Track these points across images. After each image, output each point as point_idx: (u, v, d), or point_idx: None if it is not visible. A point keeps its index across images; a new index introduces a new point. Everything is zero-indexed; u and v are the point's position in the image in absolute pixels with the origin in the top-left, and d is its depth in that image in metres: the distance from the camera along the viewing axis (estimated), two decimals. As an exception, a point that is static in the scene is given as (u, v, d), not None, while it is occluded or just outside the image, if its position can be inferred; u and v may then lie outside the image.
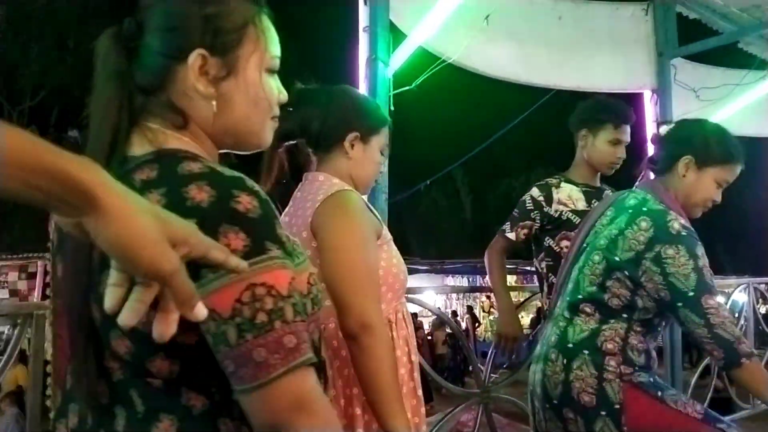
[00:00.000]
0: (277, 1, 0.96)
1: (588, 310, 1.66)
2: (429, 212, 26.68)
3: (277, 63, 0.85)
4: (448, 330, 10.74)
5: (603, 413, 1.56)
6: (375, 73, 2.69)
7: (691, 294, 1.50)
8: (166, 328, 0.58)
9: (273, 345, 0.64)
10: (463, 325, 13.12)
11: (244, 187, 0.68)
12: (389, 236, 1.44)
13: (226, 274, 0.62)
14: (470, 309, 14.36)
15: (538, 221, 2.35)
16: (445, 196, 27.83)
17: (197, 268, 0.62)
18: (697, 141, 1.72)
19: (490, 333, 14.80)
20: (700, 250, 1.54)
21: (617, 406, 1.56)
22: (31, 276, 11.27)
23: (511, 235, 2.38)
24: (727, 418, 3.72)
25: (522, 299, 3.22)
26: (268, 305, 0.64)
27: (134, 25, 0.77)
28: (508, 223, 2.41)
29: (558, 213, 2.32)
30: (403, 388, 1.36)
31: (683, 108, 4.23)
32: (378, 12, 2.73)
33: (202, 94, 0.77)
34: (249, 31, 0.79)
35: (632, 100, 4.25)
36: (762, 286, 3.92)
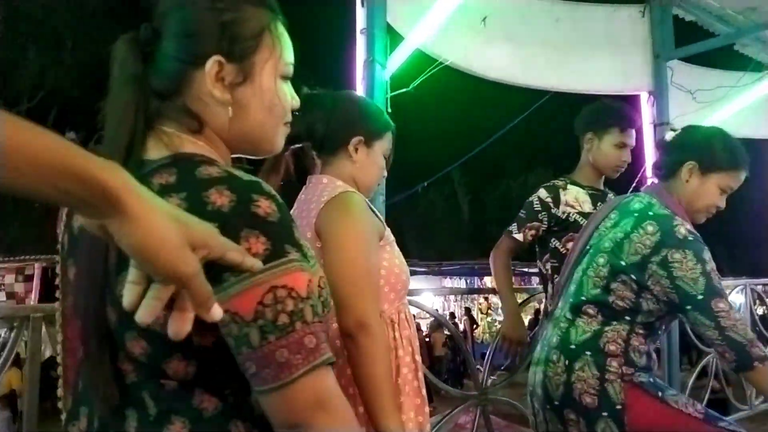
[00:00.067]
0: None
1: (591, 311, 1.66)
2: (427, 214, 26.70)
3: (291, 70, 0.86)
4: (447, 332, 10.75)
5: (605, 414, 1.56)
6: (372, 76, 2.69)
7: (700, 297, 1.50)
8: (181, 325, 0.59)
9: (294, 346, 0.66)
10: (461, 327, 13.13)
11: (262, 191, 0.69)
12: (391, 238, 1.45)
13: (247, 277, 0.64)
14: (468, 311, 14.37)
15: (546, 222, 2.36)
16: (443, 198, 27.86)
17: (219, 272, 0.63)
18: (702, 147, 1.73)
19: (487, 335, 14.81)
20: (707, 255, 1.55)
21: (619, 407, 1.56)
22: (28, 278, 11.25)
23: (519, 236, 2.38)
24: (725, 420, 3.74)
25: (520, 301, 3.22)
26: (289, 307, 0.66)
27: (151, 31, 0.78)
28: (515, 224, 2.41)
29: (565, 215, 2.33)
30: (407, 388, 1.38)
31: (680, 110, 4.24)
32: (375, 14, 2.73)
33: (218, 99, 0.78)
34: (265, 38, 0.80)
35: (629, 102, 4.26)
36: (759, 288, 3.94)
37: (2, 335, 1.72)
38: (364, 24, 2.76)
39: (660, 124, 4.12)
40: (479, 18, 3.32)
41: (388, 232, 1.44)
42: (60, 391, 0.86)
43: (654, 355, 1.69)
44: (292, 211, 1.45)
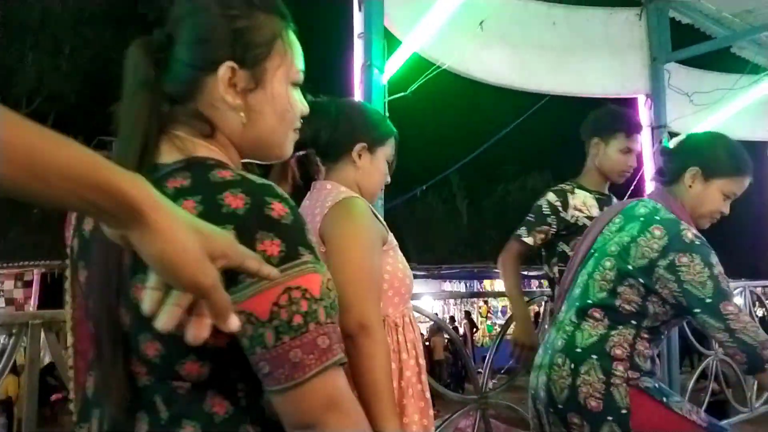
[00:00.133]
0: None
1: (597, 315, 1.66)
2: (425, 217, 26.69)
3: (301, 76, 0.87)
4: (447, 336, 10.75)
5: (610, 418, 1.56)
6: (370, 80, 2.69)
7: (709, 301, 1.51)
8: (200, 331, 0.60)
9: (308, 346, 0.66)
10: (461, 331, 13.13)
11: (275, 194, 0.70)
12: (395, 242, 1.47)
13: (264, 279, 0.65)
14: (468, 314, 14.37)
15: (555, 226, 2.37)
16: (441, 202, 27.86)
17: (236, 273, 0.64)
18: (705, 153, 1.73)
19: (487, 338, 14.81)
20: (715, 259, 1.55)
21: (624, 411, 1.56)
22: (28, 284, 11.23)
23: (529, 240, 2.39)
24: (725, 422, 3.73)
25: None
26: (303, 308, 0.66)
27: (164, 36, 0.79)
28: (524, 227, 2.42)
29: (574, 219, 2.34)
30: (410, 391, 1.40)
31: (677, 112, 4.26)
32: (372, 18, 2.74)
33: (230, 105, 0.79)
34: (276, 45, 0.81)
35: (626, 105, 4.28)
36: (758, 290, 3.94)
37: (1, 342, 1.72)
38: (362, 28, 2.76)
39: (657, 126, 4.13)
40: (476, 22, 3.33)
41: (391, 236, 1.46)
42: (71, 394, 0.87)
43: (657, 360, 1.69)
44: None
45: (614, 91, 4.18)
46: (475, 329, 14.22)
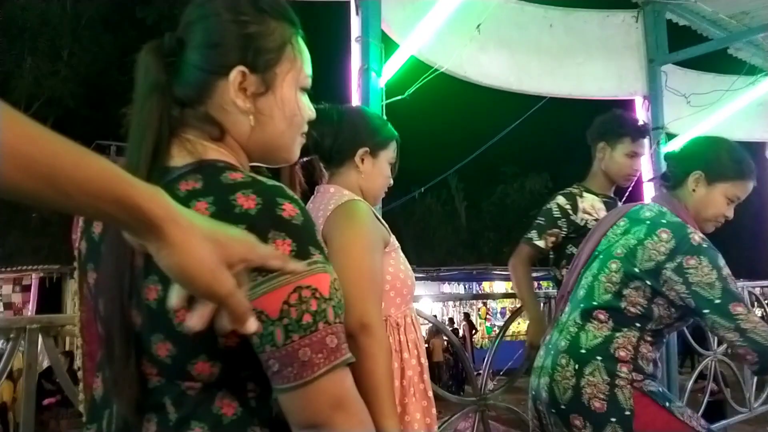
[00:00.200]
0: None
1: (602, 317, 1.67)
2: (424, 220, 26.72)
3: (309, 82, 0.88)
4: (446, 338, 10.74)
5: (613, 420, 1.57)
6: (367, 83, 2.70)
7: (718, 301, 1.52)
8: (199, 321, 0.61)
9: (317, 345, 0.67)
10: (460, 332, 13.12)
11: (285, 195, 0.71)
12: (397, 244, 1.50)
13: (275, 277, 0.66)
14: (467, 316, 14.36)
15: (564, 229, 2.40)
16: (440, 204, 27.88)
17: (248, 271, 0.65)
18: (708, 157, 1.75)
19: (486, 340, 14.80)
20: (722, 261, 1.56)
21: (627, 413, 1.57)
22: (26, 289, 11.22)
23: (540, 243, 2.42)
24: (723, 422, 3.74)
25: (518, 305, 3.22)
26: (313, 307, 0.67)
27: (175, 41, 0.80)
28: (534, 231, 2.44)
29: (583, 221, 2.38)
30: (412, 390, 1.43)
31: (674, 114, 4.27)
32: (370, 22, 2.74)
33: (240, 108, 0.80)
34: (286, 51, 0.83)
35: (624, 106, 4.28)
36: (757, 290, 3.94)
37: (-1, 346, 1.72)
38: (359, 32, 2.77)
39: (655, 128, 4.14)
40: (473, 25, 3.34)
41: (393, 239, 1.48)
42: (80, 395, 0.88)
43: (659, 363, 1.70)
44: None
45: (611, 93, 4.20)
46: (474, 331, 14.21)
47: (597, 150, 2.47)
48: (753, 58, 4.63)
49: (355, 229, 1.36)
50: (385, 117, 2.70)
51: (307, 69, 0.87)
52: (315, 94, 1.50)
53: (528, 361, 2.45)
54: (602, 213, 2.37)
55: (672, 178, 1.81)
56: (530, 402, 1.83)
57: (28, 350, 1.66)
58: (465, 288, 16.00)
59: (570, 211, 2.40)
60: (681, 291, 1.56)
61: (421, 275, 15.03)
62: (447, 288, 15.84)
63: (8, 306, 11.21)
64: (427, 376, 1.48)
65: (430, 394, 1.49)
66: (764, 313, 3.74)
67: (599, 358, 1.62)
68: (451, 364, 11.82)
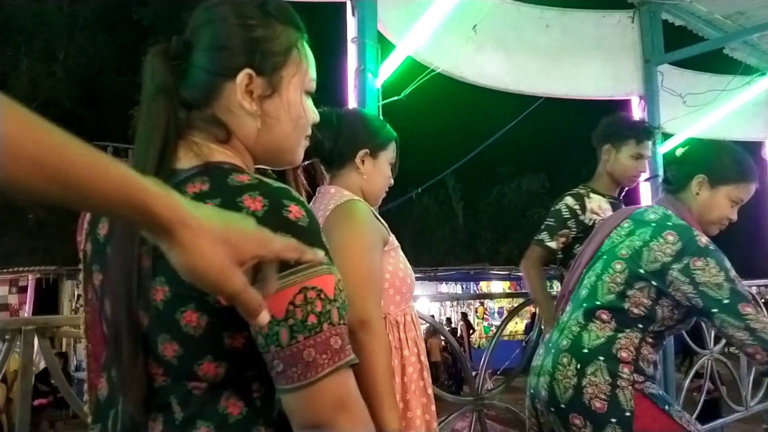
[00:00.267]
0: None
1: (604, 317, 1.67)
2: (421, 220, 26.71)
3: (314, 85, 0.89)
4: (443, 337, 10.75)
5: (613, 420, 1.57)
6: (364, 84, 2.70)
7: (727, 301, 1.53)
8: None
9: (321, 346, 0.68)
10: (459, 332, 13.14)
11: (291, 197, 0.72)
12: (396, 243, 1.53)
13: (280, 278, 0.66)
14: (465, 316, 14.37)
15: (574, 229, 2.42)
16: (437, 204, 27.87)
17: (255, 272, 0.66)
18: (710, 160, 1.77)
19: (484, 339, 14.81)
20: (728, 263, 1.58)
21: (628, 414, 1.57)
22: (22, 290, 11.19)
23: (552, 244, 2.44)
24: (720, 421, 3.75)
25: (516, 305, 3.23)
26: (318, 308, 0.68)
27: (182, 44, 0.81)
28: (545, 232, 2.46)
29: (591, 221, 2.40)
30: (413, 387, 1.45)
31: (671, 114, 4.28)
32: (366, 23, 2.74)
33: (247, 110, 0.81)
34: (292, 54, 0.84)
35: (620, 106, 4.29)
36: (753, 289, 3.95)
37: (-5, 348, 1.72)
38: (355, 33, 2.77)
39: (654, 127, 4.14)
40: (470, 25, 3.34)
41: (392, 238, 1.51)
42: (86, 396, 0.89)
43: (658, 365, 1.71)
44: None
45: (608, 93, 4.21)
46: (471, 330, 14.22)
47: (602, 152, 2.51)
48: (749, 58, 4.65)
49: (355, 228, 1.39)
50: (381, 118, 2.71)
51: (312, 72, 0.89)
52: (311, 95, 1.52)
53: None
54: (609, 213, 2.40)
55: (675, 182, 1.82)
56: (528, 400, 1.83)
57: (23, 351, 1.66)
58: (462, 288, 16.02)
59: (579, 212, 2.43)
60: (688, 291, 1.56)
61: (418, 275, 15.00)
62: (444, 288, 15.85)
63: (4, 307, 11.18)
64: (426, 373, 1.51)
65: (430, 391, 1.51)
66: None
67: (601, 358, 1.63)
68: (450, 364, 11.84)
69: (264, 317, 0.61)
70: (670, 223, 1.66)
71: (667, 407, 1.62)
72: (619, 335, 1.64)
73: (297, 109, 0.85)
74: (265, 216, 0.69)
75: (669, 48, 4.29)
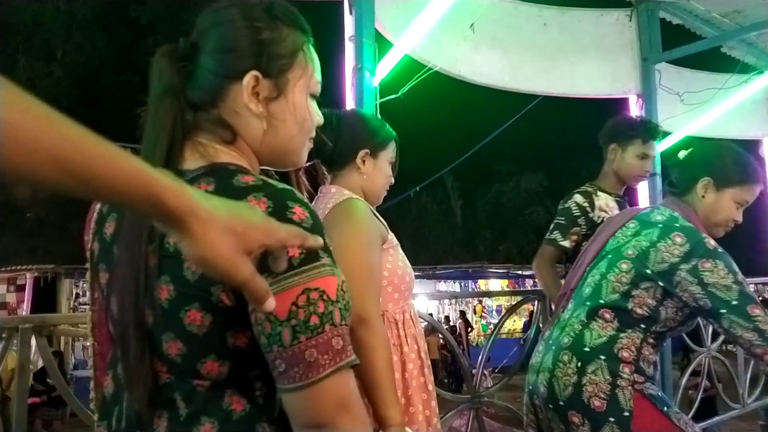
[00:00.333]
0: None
1: (607, 316, 1.68)
2: (420, 218, 26.73)
3: (319, 88, 0.90)
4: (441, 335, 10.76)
5: (611, 419, 1.58)
6: (361, 83, 2.69)
7: (735, 303, 1.54)
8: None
9: (323, 346, 0.69)
10: (457, 330, 13.15)
11: (295, 198, 0.73)
12: (396, 242, 1.55)
13: (284, 279, 0.68)
14: (463, 314, 14.39)
15: (584, 227, 2.44)
16: (436, 202, 27.89)
17: (260, 272, 0.66)
18: (714, 163, 1.78)
19: (482, 337, 14.83)
20: (736, 266, 1.59)
21: (627, 414, 1.58)
22: (20, 288, 11.19)
23: (566, 243, 2.45)
24: (717, 418, 3.75)
25: (513, 303, 3.23)
26: (320, 309, 0.69)
27: (189, 45, 0.82)
28: (557, 231, 2.47)
29: (600, 219, 2.42)
30: (413, 383, 1.47)
31: (668, 112, 4.28)
32: (363, 21, 2.74)
33: (253, 112, 0.82)
34: (298, 57, 0.85)
35: (618, 105, 4.30)
36: (751, 287, 3.95)
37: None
38: (353, 31, 2.76)
39: (655, 126, 4.15)
40: (467, 24, 3.34)
41: (391, 236, 1.53)
42: (92, 394, 0.90)
43: (658, 366, 1.72)
44: None
45: (605, 91, 4.21)
46: (470, 328, 14.24)
47: (608, 151, 2.54)
48: (746, 57, 4.65)
49: (353, 226, 1.41)
50: (379, 116, 2.71)
51: (318, 75, 0.90)
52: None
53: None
54: (615, 211, 2.43)
55: (679, 184, 1.83)
56: (526, 397, 1.84)
57: (20, 350, 1.66)
58: (461, 286, 16.03)
59: (588, 209, 2.45)
60: (696, 292, 1.57)
61: (417, 273, 15.00)
62: (443, 286, 15.87)
63: (2, 306, 11.19)
64: (427, 370, 1.53)
65: (431, 387, 1.53)
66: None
67: (603, 357, 1.63)
68: (449, 362, 11.85)
69: (270, 303, 0.63)
70: (677, 225, 1.67)
71: (666, 409, 1.63)
72: (621, 335, 1.65)
73: (302, 112, 0.86)
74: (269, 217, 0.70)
75: (667, 46, 4.29)
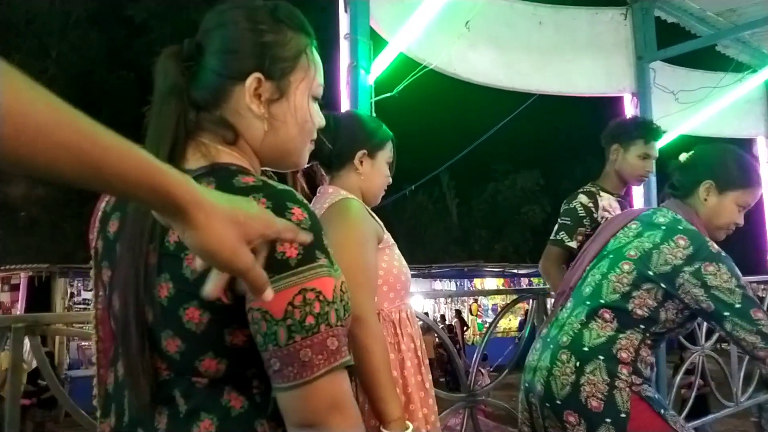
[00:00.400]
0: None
1: (607, 316, 1.68)
2: (415, 217, 26.73)
3: (321, 91, 0.92)
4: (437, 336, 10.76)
5: (608, 420, 1.58)
6: (356, 81, 2.69)
7: (739, 306, 1.55)
8: (214, 289, 0.65)
9: (318, 346, 0.70)
10: (453, 328, 13.16)
11: (295, 199, 0.74)
12: (392, 241, 1.56)
13: (281, 279, 0.68)
14: (458, 313, 14.41)
15: (589, 227, 2.45)
16: (431, 201, 27.90)
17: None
18: (716, 166, 1.79)
19: (478, 336, 14.85)
20: (738, 271, 1.60)
21: (623, 415, 1.58)
22: (15, 288, 11.16)
23: (573, 244, 2.46)
24: (711, 416, 3.77)
25: (508, 301, 3.24)
26: (316, 309, 0.70)
27: (194, 46, 0.83)
28: (563, 232, 2.49)
29: (603, 219, 2.43)
30: (412, 381, 1.48)
31: (663, 111, 4.29)
32: (358, 19, 2.73)
33: (254, 113, 0.83)
34: (301, 60, 0.86)
35: (613, 103, 4.31)
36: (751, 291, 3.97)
37: (-15, 346, 1.71)
38: (348, 29, 2.76)
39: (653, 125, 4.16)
40: (462, 22, 3.34)
41: (387, 235, 1.54)
42: (95, 390, 0.90)
43: (655, 368, 1.73)
44: None
45: (600, 90, 4.21)
46: (465, 327, 14.26)
47: (610, 151, 2.56)
48: (740, 55, 4.67)
49: (348, 225, 1.42)
50: (374, 114, 2.70)
51: (320, 78, 0.91)
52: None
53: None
54: (618, 211, 2.44)
55: (681, 187, 1.84)
56: (522, 394, 1.84)
57: (13, 349, 1.65)
58: (457, 285, 16.05)
59: (593, 210, 2.46)
60: (699, 294, 1.58)
61: (413, 272, 14.98)
62: (438, 285, 15.88)
63: (-3, 305, 11.14)
64: (425, 369, 1.54)
65: (428, 385, 1.54)
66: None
67: (601, 357, 1.64)
68: (445, 361, 11.86)
69: (269, 294, 0.63)
70: (680, 227, 1.68)
71: (662, 411, 1.63)
72: (620, 335, 1.65)
73: (303, 114, 0.87)
74: None
75: (661, 45, 4.30)
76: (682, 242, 1.63)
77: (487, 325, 14.60)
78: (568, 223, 2.48)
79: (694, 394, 3.51)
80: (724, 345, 4.10)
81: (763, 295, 3.88)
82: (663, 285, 1.63)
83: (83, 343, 9.78)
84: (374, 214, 1.55)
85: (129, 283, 0.75)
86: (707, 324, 1.74)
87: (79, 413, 1.77)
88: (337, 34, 2.80)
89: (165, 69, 0.81)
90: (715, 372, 3.76)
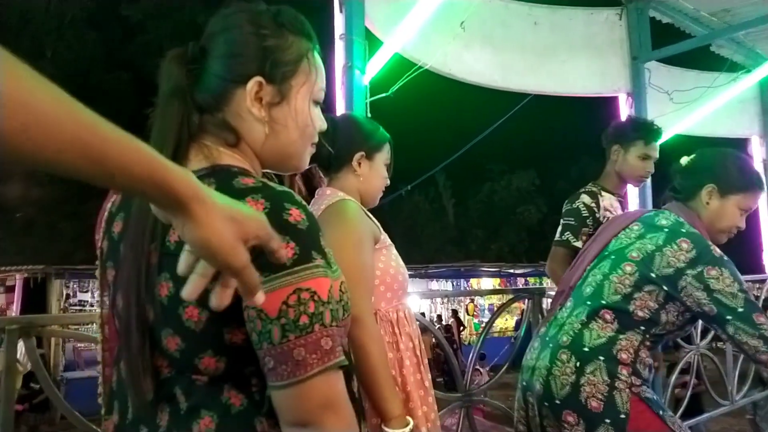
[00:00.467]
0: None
1: (607, 317, 1.69)
2: (411, 217, 26.72)
3: (322, 95, 0.93)
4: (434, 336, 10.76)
5: (607, 421, 1.58)
6: (351, 81, 2.69)
7: (741, 310, 1.56)
8: (223, 299, 0.65)
9: (312, 346, 0.70)
10: (450, 328, 13.16)
11: (293, 200, 0.75)
12: (389, 242, 1.58)
13: (276, 278, 0.70)
14: (455, 313, 14.41)
15: (592, 227, 2.46)
16: (428, 201, 27.89)
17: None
18: (718, 170, 1.81)
19: (474, 336, 14.86)
20: (740, 275, 1.61)
21: (623, 416, 1.59)
22: (10, 289, 11.11)
23: (579, 244, 2.46)
24: (706, 415, 3.77)
25: (504, 301, 3.23)
26: (311, 309, 0.71)
27: (197, 50, 0.85)
28: (568, 233, 2.50)
29: (605, 219, 2.45)
30: (411, 379, 1.50)
31: (658, 110, 4.31)
32: (353, 19, 2.74)
33: (255, 116, 0.84)
34: (303, 64, 0.87)
35: (608, 103, 4.32)
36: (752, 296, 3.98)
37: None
38: (343, 29, 2.76)
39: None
40: (457, 22, 3.35)
41: (384, 236, 1.55)
42: (100, 389, 0.91)
43: (653, 369, 1.73)
44: None
45: (595, 90, 4.23)
46: (462, 327, 14.26)
47: (611, 152, 2.58)
48: (735, 55, 4.69)
49: (344, 225, 1.43)
50: (369, 115, 2.71)
51: (321, 82, 0.91)
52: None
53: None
54: (618, 211, 2.47)
55: (683, 190, 1.85)
56: (519, 393, 1.84)
57: (7, 351, 1.64)
58: (453, 285, 16.05)
59: (595, 209, 2.48)
60: (701, 297, 1.59)
61: (409, 272, 14.98)
62: (435, 285, 15.88)
63: (-8, 307, 11.10)
64: (423, 368, 1.55)
65: (428, 384, 1.55)
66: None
67: (602, 358, 1.64)
68: (442, 360, 11.86)
69: (260, 297, 0.64)
70: (683, 230, 1.68)
71: (661, 412, 1.64)
72: (620, 336, 1.66)
73: (304, 117, 0.88)
74: (266, 217, 0.71)
75: (656, 45, 4.32)
76: (684, 245, 1.63)
77: (483, 324, 14.61)
78: (572, 223, 2.49)
79: (689, 394, 3.52)
80: (719, 344, 4.12)
81: (759, 294, 3.88)
82: (665, 287, 1.64)
83: (79, 345, 9.75)
84: (371, 215, 1.56)
85: (131, 282, 0.76)
86: (707, 326, 1.74)
87: (74, 416, 1.76)
88: (332, 35, 2.80)
89: (169, 71, 0.82)
90: (711, 370, 3.77)
